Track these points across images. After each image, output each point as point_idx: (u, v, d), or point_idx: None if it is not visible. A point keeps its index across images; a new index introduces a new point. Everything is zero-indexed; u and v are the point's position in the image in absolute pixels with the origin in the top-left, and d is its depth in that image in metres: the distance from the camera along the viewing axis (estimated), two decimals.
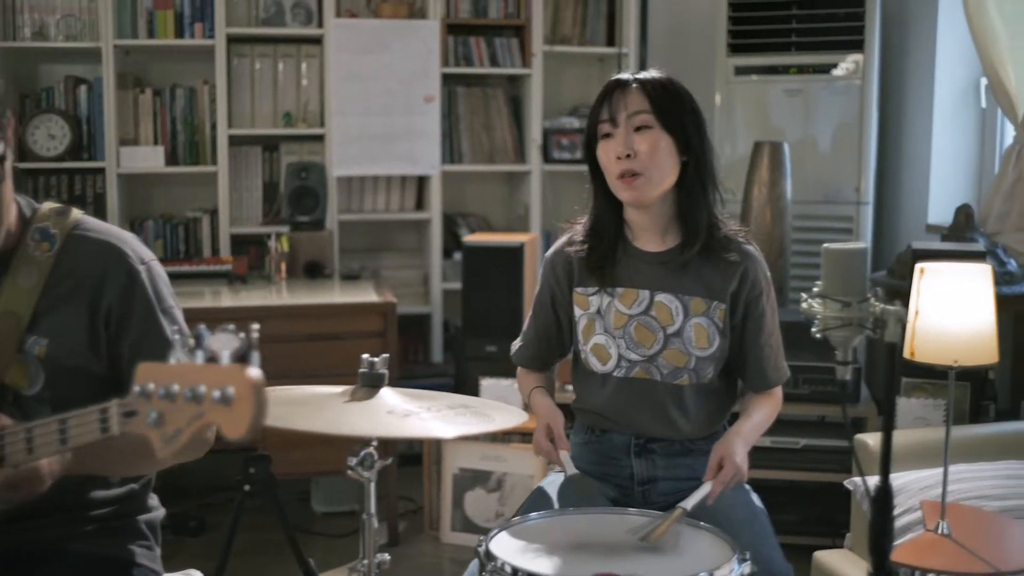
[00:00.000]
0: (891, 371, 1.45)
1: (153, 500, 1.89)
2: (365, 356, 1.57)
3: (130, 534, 1.80)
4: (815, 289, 1.50)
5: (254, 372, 1.02)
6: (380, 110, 4.33)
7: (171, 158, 4.30)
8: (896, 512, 2.55)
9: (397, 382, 4.10)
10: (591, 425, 2.19)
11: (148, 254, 1.76)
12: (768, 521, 2.07)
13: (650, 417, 2.10)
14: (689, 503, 1.88)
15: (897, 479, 2.64)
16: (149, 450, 1.13)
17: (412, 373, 4.44)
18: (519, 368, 2.28)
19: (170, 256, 4.31)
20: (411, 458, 4.10)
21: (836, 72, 4.20)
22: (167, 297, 1.74)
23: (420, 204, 4.57)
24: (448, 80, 4.47)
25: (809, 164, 4.25)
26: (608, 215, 2.10)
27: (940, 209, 4.13)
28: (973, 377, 3.22)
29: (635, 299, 2.09)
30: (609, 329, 2.10)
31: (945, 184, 4.18)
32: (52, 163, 4.13)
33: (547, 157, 4.52)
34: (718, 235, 2.07)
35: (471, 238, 3.78)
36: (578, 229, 2.15)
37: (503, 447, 3.49)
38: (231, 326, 1.12)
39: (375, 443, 1.56)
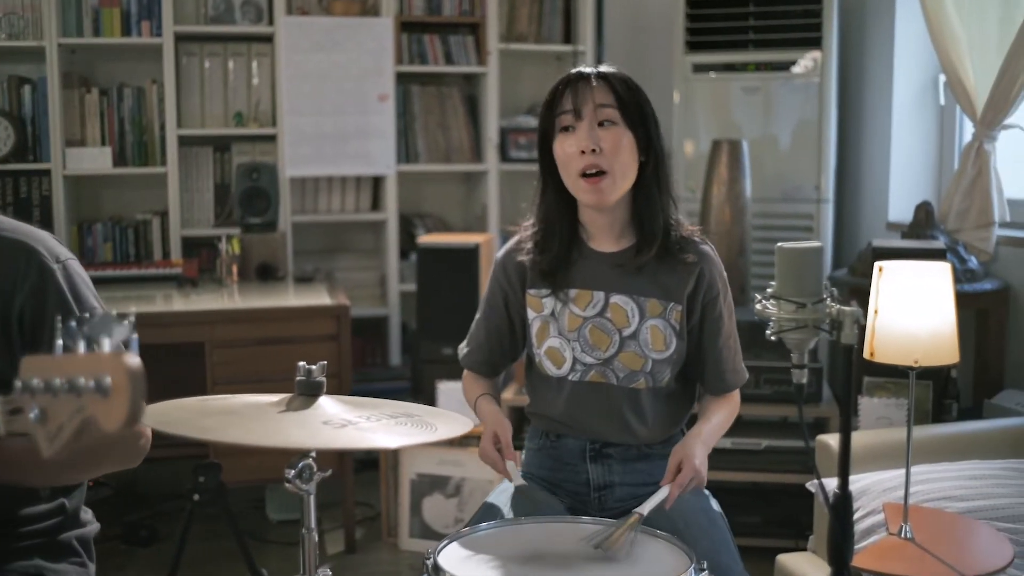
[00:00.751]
0: (848, 374, 1.39)
1: (86, 515, 1.80)
2: (302, 364, 1.49)
3: (62, 552, 1.71)
4: (769, 290, 1.44)
5: (131, 359, 0.94)
6: (333, 110, 4.25)
7: (119, 159, 4.19)
8: (859, 515, 2.52)
9: (352, 386, 4.03)
10: (545, 430, 2.13)
11: (64, 253, 1.67)
12: (727, 528, 2.01)
13: (606, 422, 2.04)
14: (646, 508, 1.81)
15: (860, 480, 2.61)
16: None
17: (369, 376, 4.36)
18: (465, 372, 2.21)
19: (120, 259, 4.20)
20: (369, 463, 4.02)
21: (795, 69, 4.17)
22: (88, 298, 1.64)
23: (376, 205, 4.49)
24: (402, 79, 4.39)
25: (769, 162, 4.21)
26: (559, 214, 2.03)
27: (900, 207, 4.11)
28: (935, 376, 3.19)
29: (590, 301, 2.03)
30: (563, 332, 2.04)
31: (905, 181, 4.17)
32: None
33: (504, 156, 4.46)
34: (674, 237, 2.01)
35: (425, 239, 3.70)
36: (527, 233, 2.08)
37: (461, 452, 3.42)
38: (113, 312, 1.04)
39: (314, 454, 1.49)
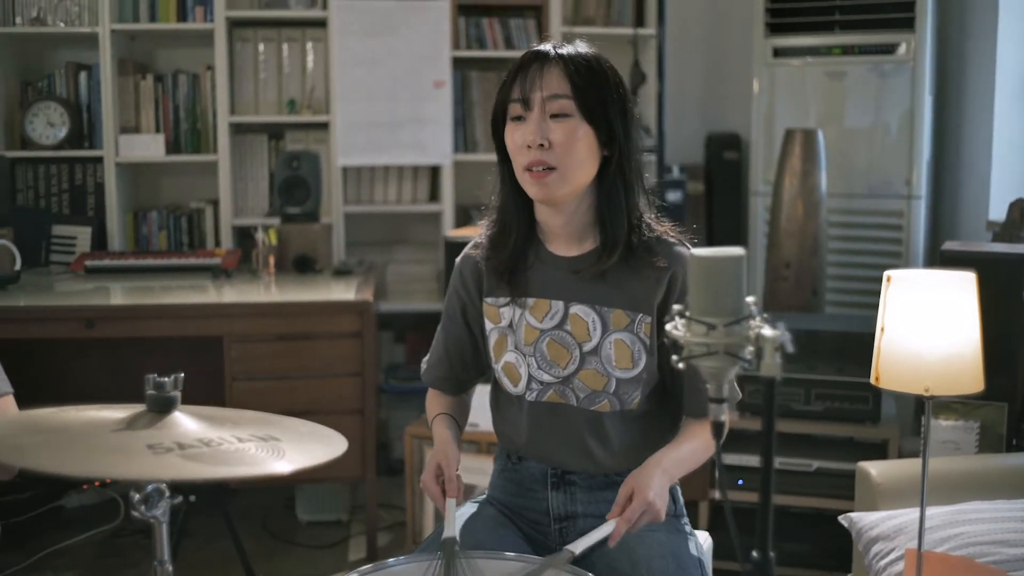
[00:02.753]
0: (769, 413, 1.13)
1: None
2: (151, 376, 1.32)
3: None
4: (676, 307, 1.19)
5: None
6: (387, 96, 4.09)
7: (174, 146, 4.14)
8: (891, 558, 2.22)
9: (399, 384, 3.86)
10: (508, 451, 1.91)
11: None
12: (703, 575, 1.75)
13: (565, 447, 1.81)
14: (579, 546, 1.58)
15: (900, 516, 2.29)
16: None
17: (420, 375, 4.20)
18: (429, 390, 2.01)
19: (174, 248, 4.15)
20: (400, 463, 3.86)
21: (886, 53, 3.80)
22: None
23: (434, 195, 4.32)
24: (460, 64, 4.20)
25: (854, 154, 3.87)
26: (515, 208, 1.81)
27: (1003, 204, 3.70)
28: (1010, 396, 2.81)
29: (548, 311, 1.80)
30: (519, 345, 1.81)
31: (1008, 176, 3.76)
32: (51, 151, 4.00)
33: None
34: (642, 239, 1.76)
35: (453, 233, 3.51)
36: (483, 228, 1.87)
37: (488, 459, 3.22)
38: None
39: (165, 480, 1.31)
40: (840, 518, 2.37)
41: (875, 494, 2.39)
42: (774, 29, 3.96)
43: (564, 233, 1.80)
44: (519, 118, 1.73)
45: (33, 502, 3.71)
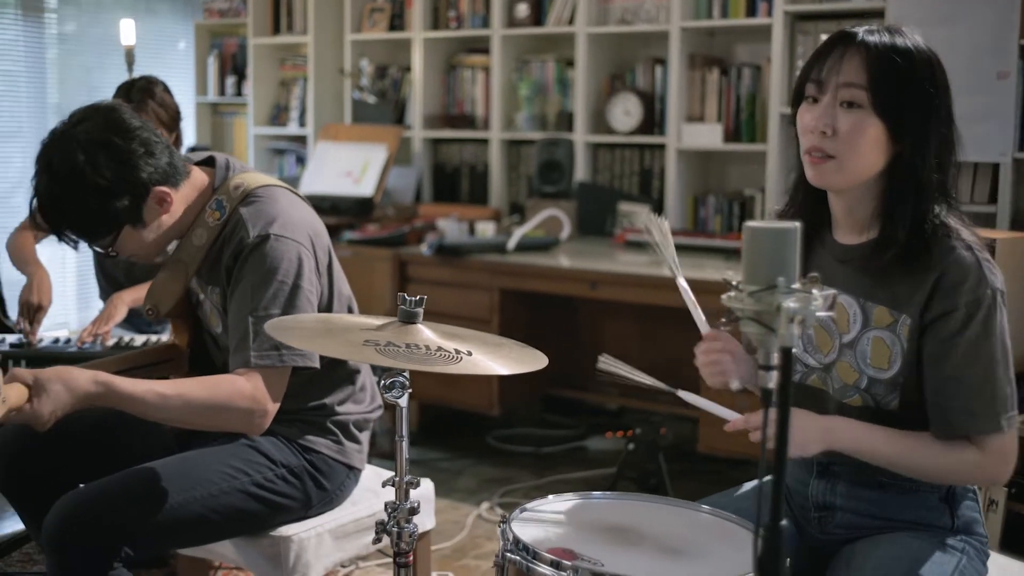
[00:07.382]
0: (784, 387, 1.11)
1: (351, 407, 2.15)
2: (402, 294, 1.65)
3: (322, 430, 2.12)
4: (729, 273, 1.18)
5: None
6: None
7: (734, 135, 4.42)
8: None
9: None
10: None
11: (271, 231, 1.93)
12: None
13: None
14: (691, 397, 1.79)
15: None
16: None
17: None
18: None
19: (724, 230, 4.45)
20: None
21: None
22: (272, 271, 1.92)
23: (993, 196, 4.00)
24: None
25: None
26: (806, 188, 1.79)
27: None
28: None
29: None
30: None
31: None
32: (623, 137, 4.55)
33: None
34: (927, 238, 1.63)
35: (1004, 235, 3.25)
36: (782, 207, 1.88)
37: None
38: None
39: (406, 372, 1.62)
40: None
41: None
42: None
43: (846, 220, 1.75)
44: (813, 99, 1.71)
45: (564, 439, 4.31)
